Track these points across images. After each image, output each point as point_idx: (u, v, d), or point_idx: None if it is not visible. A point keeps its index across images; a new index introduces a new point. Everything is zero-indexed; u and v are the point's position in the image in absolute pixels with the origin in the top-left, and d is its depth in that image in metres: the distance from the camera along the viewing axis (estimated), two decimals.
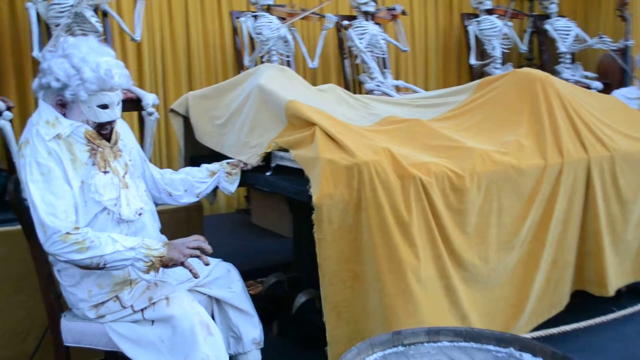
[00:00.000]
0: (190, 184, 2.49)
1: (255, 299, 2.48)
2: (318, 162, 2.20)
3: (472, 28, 4.67)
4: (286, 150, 2.39)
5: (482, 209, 2.41)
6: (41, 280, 2.18)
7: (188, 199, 2.51)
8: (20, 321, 2.50)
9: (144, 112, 3.17)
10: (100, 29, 3.31)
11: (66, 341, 2.18)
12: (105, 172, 2.12)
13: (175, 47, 4.14)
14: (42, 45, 3.19)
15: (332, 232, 2.15)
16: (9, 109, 2.69)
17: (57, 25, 3.15)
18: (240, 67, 3.92)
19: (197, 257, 2.10)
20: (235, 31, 3.91)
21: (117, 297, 2.13)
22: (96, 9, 3.43)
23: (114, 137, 2.19)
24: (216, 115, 2.77)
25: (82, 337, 2.17)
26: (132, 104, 3.18)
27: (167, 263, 2.07)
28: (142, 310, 2.13)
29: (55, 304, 2.19)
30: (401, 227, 2.19)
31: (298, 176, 2.29)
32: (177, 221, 2.96)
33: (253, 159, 2.50)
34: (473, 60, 4.62)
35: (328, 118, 2.47)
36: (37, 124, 2.06)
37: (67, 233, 1.97)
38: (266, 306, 2.77)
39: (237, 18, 3.89)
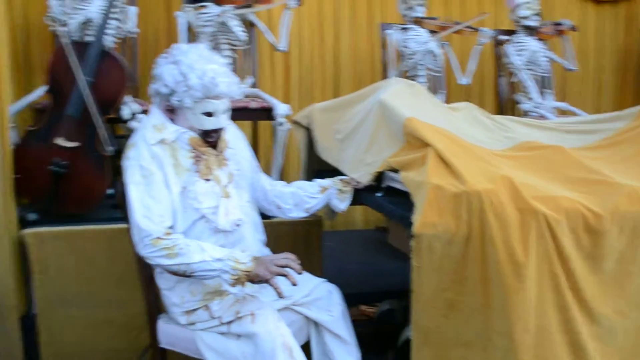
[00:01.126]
0: (300, 198, 2.41)
1: (367, 325, 2.30)
2: (424, 187, 2.02)
3: None
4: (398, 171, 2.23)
5: (623, 255, 2.02)
6: (143, 280, 2.23)
7: (297, 214, 2.44)
8: (136, 317, 2.56)
9: (274, 122, 3.14)
10: (244, 38, 3.36)
11: (162, 343, 2.21)
12: (207, 180, 2.12)
13: (324, 58, 4.12)
14: None
15: (432, 262, 1.97)
16: (144, 112, 2.81)
17: (204, 33, 3.25)
18: None
19: (284, 275, 1.99)
20: (382, 44, 3.76)
21: (207, 306, 2.11)
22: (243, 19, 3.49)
23: (221, 145, 2.19)
24: (338, 129, 2.68)
25: (176, 340, 2.19)
26: (264, 113, 3.18)
27: (253, 279, 2.00)
28: (229, 323, 2.08)
29: (154, 305, 2.22)
30: (514, 267, 1.92)
31: (407, 199, 2.10)
32: (295, 235, 2.92)
33: (365, 178, 2.38)
34: None
35: (448, 139, 2.25)
36: (144, 128, 2.12)
37: (158, 237, 1.98)
38: (375, 334, 2.57)
39: (385, 30, 3.74)
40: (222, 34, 3.34)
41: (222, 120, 2.12)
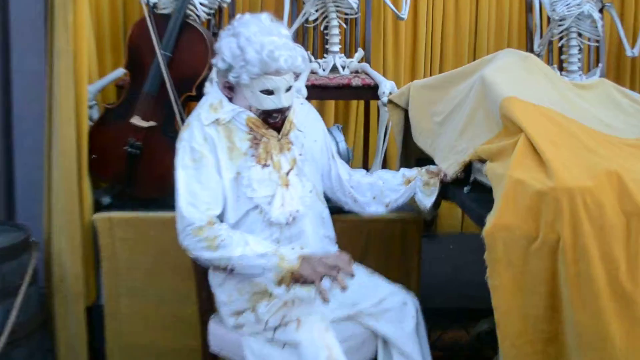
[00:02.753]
0: (380, 190, 2.48)
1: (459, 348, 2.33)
2: (503, 181, 1.96)
3: None
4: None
5: None
6: (196, 275, 2.41)
7: (375, 208, 2.51)
8: None
9: (379, 102, 3.21)
10: (355, 5, 3.46)
11: (211, 346, 2.38)
12: (264, 166, 2.26)
13: (460, 27, 4.06)
14: (290, 23, 3.51)
15: (513, 279, 1.91)
16: None
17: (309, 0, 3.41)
18: (529, 52, 3.64)
19: (332, 278, 2.07)
20: (529, 8, 3.65)
21: (254, 307, 2.24)
22: None
23: (286, 127, 2.31)
24: (437, 110, 2.68)
25: (224, 344, 2.35)
26: (368, 91, 3.26)
27: (297, 279, 2.10)
28: (274, 328, 2.20)
29: (206, 303, 2.40)
30: (615, 290, 1.81)
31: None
32: (389, 234, 2.99)
33: (452, 168, 2.38)
34: None
35: (551, 123, 2.19)
36: (201, 106, 2.31)
37: (200, 227, 2.15)
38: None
39: None
40: (331, 1, 3.48)
41: (285, 99, 2.23)
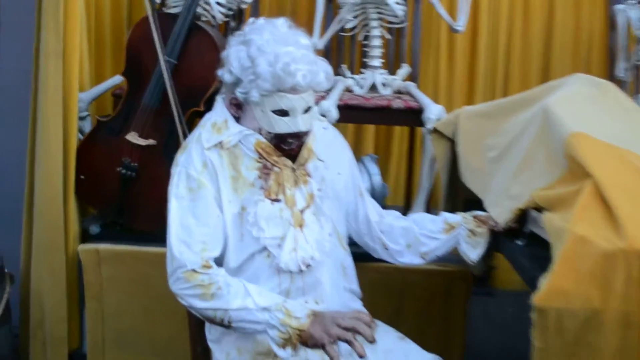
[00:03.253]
0: (415, 237, 2.42)
1: None
2: (563, 237, 1.87)
3: None
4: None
5: None
6: (191, 327, 2.37)
7: (409, 258, 2.45)
8: None
9: (423, 129, 3.14)
10: (401, 13, 3.40)
11: None
12: (274, 201, 2.22)
13: (529, 43, 3.97)
14: (323, 30, 3.47)
15: (563, 346, 1.84)
16: None
17: (347, 5, 3.37)
18: (609, 77, 3.55)
19: (348, 342, 2.00)
20: (612, 24, 3.57)
21: None
22: None
23: (303, 155, 2.27)
24: (491, 144, 2.61)
25: None
26: (411, 116, 3.20)
27: (306, 340, 2.04)
28: None
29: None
30: None
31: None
32: (429, 290, 2.94)
33: (503, 216, 2.30)
34: None
35: (627, 168, 2.10)
36: (203, 126, 2.28)
37: (193, 270, 2.12)
38: None
39: (614, 5, 3.56)
40: (373, 6, 3.44)
41: (302, 122, 2.18)
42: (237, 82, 2.17)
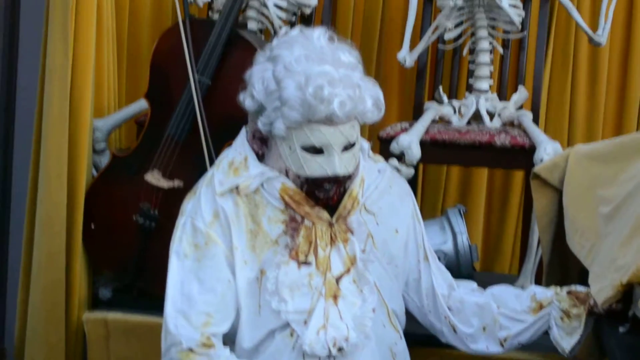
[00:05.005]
0: (493, 318, 2.46)
1: None
2: None
3: None
4: None
5: None
6: None
7: (485, 345, 2.49)
8: None
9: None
10: (517, 19, 3.42)
11: None
12: (303, 264, 2.29)
13: None
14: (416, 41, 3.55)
15: None
16: None
17: (451, 9, 3.43)
18: None
19: None
20: None
21: None
22: None
23: (346, 205, 2.34)
24: (607, 195, 2.60)
25: None
26: (518, 156, 3.23)
27: None
28: None
29: None
30: None
31: None
32: None
33: (603, 294, 2.30)
34: None
35: None
36: (217, 165, 2.38)
37: (190, 350, 2.21)
38: None
39: None
40: (481, 10, 3.48)
41: (341, 164, 2.24)
42: (260, 110, 2.26)
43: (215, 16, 3.36)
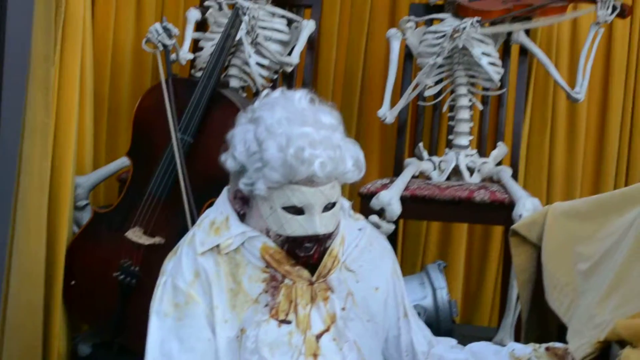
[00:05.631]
0: None
1: None
2: None
3: None
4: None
5: None
6: None
7: None
8: None
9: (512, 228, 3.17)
10: (496, 76, 3.48)
11: None
12: (283, 322, 2.29)
13: None
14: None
15: None
16: None
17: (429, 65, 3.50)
18: None
19: None
20: None
21: None
22: (507, 41, 3.67)
23: (326, 264, 2.35)
24: (585, 252, 2.61)
25: None
26: (498, 212, 3.25)
27: None
28: None
29: None
30: None
31: None
32: None
33: (581, 351, 2.29)
34: None
35: None
36: (199, 224, 2.38)
37: None
38: None
39: None
40: (460, 68, 3.55)
41: (321, 223, 2.25)
42: (241, 171, 2.26)
43: (198, 73, 3.38)
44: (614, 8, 3.51)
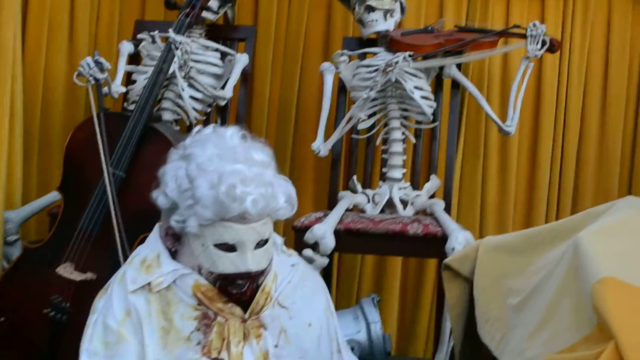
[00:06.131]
0: None
1: None
2: None
3: None
4: None
5: None
6: None
7: None
8: None
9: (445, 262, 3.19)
10: (429, 110, 3.51)
11: None
12: None
13: (606, 148, 4.06)
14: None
15: None
16: None
17: (363, 99, 3.51)
18: None
19: None
20: None
21: None
22: (439, 75, 3.70)
23: (259, 301, 2.35)
24: (515, 287, 2.65)
25: None
26: (432, 245, 3.25)
27: None
28: None
29: None
30: None
31: None
32: None
33: None
34: None
35: None
36: (130, 262, 2.37)
37: None
38: None
39: None
40: (394, 101, 3.57)
41: (253, 260, 2.27)
42: (173, 208, 2.28)
43: (131, 106, 3.36)
44: (544, 43, 3.56)
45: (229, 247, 2.24)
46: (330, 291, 3.44)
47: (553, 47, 3.60)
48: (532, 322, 2.44)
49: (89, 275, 3.05)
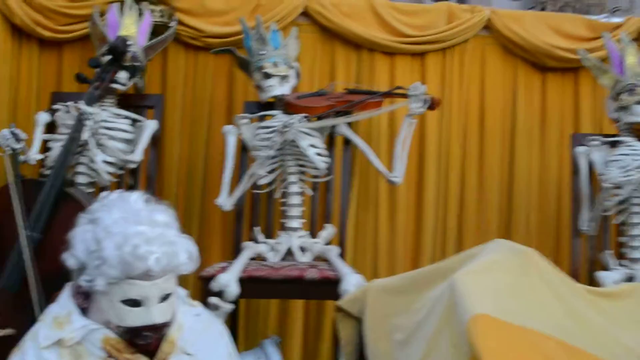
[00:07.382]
0: None
1: None
2: None
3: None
4: None
5: None
6: None
7: None
8: None
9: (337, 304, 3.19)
10: (322, 165, 3.54)
11: None
12: None
13: (485, 193, 4.15)
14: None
15: None
16: None
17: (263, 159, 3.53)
18: (575, 233, 3.66)
19: None
20: (574, 170, 3.71)
21: None
22: (332, 133, 3.74)
23: (164, 350, 2.31)
24: (400, 324, 2.68)
25: None
26: (329, 288, 3.23)
27: None
28: None
29: None
30: None
31: None
32: None
33: None
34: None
35: (537, 355, 2.20)
36: (42, 320, 2.32)
37: None
38: None
39: (576, 148, 3.75)
40: (291, 158, 3.60)
41: (158, 313, 2.24)
42: (82, 268, 2.25)
43: (48, 172, 3.32)
44: (425, 101, 3.63)
45: (135, 303, 2.21)
46: (237, 335, 3.45)
47: (433, 105, 3.66)
48: (416, 355, 2.46)
49: (7, 331, 2.98)
